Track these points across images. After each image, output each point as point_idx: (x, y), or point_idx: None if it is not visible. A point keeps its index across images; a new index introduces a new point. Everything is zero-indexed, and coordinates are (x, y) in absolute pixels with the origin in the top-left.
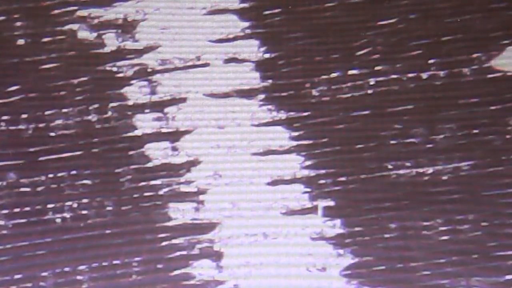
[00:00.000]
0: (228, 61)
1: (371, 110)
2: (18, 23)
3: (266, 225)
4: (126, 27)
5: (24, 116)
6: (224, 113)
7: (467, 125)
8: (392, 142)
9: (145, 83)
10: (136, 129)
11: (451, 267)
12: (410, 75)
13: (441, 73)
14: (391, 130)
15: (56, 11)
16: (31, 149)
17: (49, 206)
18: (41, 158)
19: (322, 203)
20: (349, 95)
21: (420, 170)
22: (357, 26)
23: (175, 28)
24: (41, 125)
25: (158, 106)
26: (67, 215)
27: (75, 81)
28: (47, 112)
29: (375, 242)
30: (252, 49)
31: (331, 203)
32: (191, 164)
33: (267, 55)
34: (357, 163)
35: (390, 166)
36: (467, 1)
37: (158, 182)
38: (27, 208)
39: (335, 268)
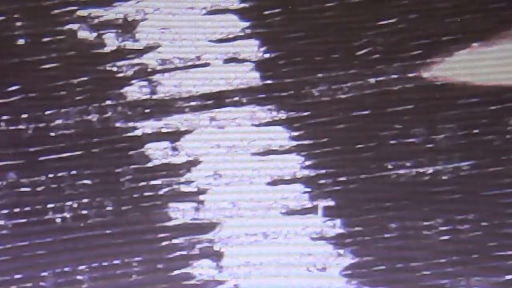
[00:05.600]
0: (228, 61)
1: (371, 110)
2: (18, 23)
3: (266, 225)
4: (126, 27)
5: (24, 116)
6: (224, 113)
7: (467, 125)
8: (392, 142)
9: (145, 83)
10: (136, 129)
11: (451, 267)
12: (410, 75)
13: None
14: (391, 130)
15: (56, 11)
16: (31, 149)
17: (49, 206)
18: (41, 158)
19: (322, 203)
20: (349, 95)
21: (420, 170)
22: (357, 26)
23: (175, 28)
24: (41, 125)
25: None
26: (67, 215)
27: (75, 81)
28: (47, 112)
29: (375, 242)
30: (252, 49)
31: (331, 203)
32: (191, 164)
33: (267, 55)
34: (357, 163)
35: (390, 166)
36: (467, 1)
37: (158, 182)
38: (27, 208)
39: (335, 268)
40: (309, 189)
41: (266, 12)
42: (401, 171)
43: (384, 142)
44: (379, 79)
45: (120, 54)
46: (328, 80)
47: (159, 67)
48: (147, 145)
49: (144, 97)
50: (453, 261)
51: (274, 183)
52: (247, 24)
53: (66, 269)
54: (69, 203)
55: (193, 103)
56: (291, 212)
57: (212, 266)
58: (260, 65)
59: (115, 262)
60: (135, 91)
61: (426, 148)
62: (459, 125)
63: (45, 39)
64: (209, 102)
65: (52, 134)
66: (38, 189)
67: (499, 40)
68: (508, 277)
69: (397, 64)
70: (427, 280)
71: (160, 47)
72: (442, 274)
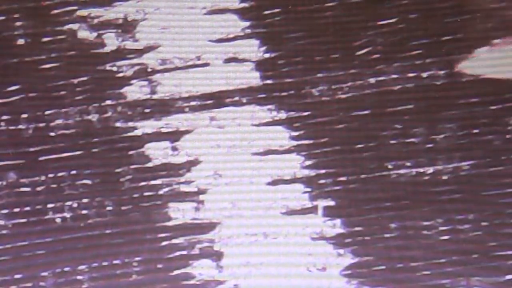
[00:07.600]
0: (228, 61)
1: (371, 110)
2: (18, 23)
3: (266, 225)
4: (126, 27)
5: (24, 116)
6: (224, 113)
7: (467, 125)
8: (392, 142)
9: (145, 82)
10: (136, 129)
11: (451, 267)
12: (410, 75)
13: (441, 73)
14: (391, 130)
15: (56, 11)
16: (31, 149)
17: (49, 206)
18: (41, 158)
19: (322, 203)
20: (349, 95)
21: (420, 170)
22: (357, 26)
23: (175, 28)
24: (41, 125)
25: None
26: (67, 215)
27: (75, 81)
28: (47, 112)
29: (375, 242)
30: (252, 49)
31: (331, 203)
32: (191, 164)
33: (267, 55)
34: (357, 163)
35: (390, 166)
36: (467, 1)
37: (158, 182)
38: (27, 208)
39: (335, 268)
40: (309, 189)
41: (266, 12)
42: (401, 171)
43: (384, 142)
44: (379, 79)
45: (120, 54)
46: (328, 80)
47: (159, 67)
48: (147, 145)
49: (144, 97)
50: (453, 261)
51: (274, 183)
52: (247, 24)
53: (66, 269)
54: (69, 203)
55: (193, 103)
56: (291, 212)
57: (212, 266)
58: (260, 65)
59: (115, 262)
60: (135, 91)
61: (426, 148)
62: (459, 125)
63: (45, 39)
64: (209, 102)
65: (52, 134)
66: (38, 189)
67: None
68: (508, 277)
69: (397, 64)
70: (427, 280)
71: (160, 47)
72: (442, 274)
